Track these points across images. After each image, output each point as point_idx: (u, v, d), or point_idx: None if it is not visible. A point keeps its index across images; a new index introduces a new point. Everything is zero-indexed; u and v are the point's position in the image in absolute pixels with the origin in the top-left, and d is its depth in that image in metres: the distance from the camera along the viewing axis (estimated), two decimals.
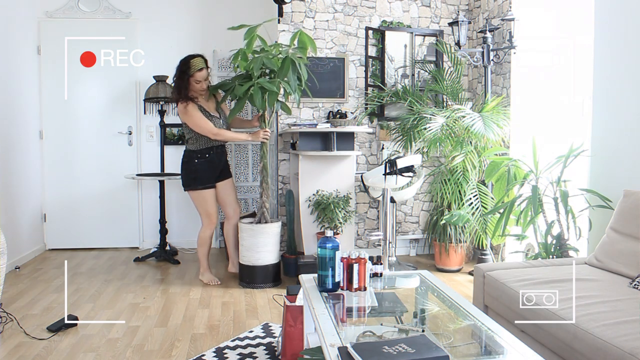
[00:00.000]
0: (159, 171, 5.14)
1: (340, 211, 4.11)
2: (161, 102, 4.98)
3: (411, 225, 4.96)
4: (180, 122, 3.96)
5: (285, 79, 3.61)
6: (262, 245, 3.85)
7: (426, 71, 4.82)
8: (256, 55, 3.60)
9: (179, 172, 5.17)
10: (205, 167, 3.88)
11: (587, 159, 3.25)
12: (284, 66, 3.55)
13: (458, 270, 4.39)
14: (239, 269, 4.01)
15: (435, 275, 2.60)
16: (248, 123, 4.25)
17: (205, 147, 3.87)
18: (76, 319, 3.10)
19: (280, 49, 3.68)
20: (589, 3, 3.34)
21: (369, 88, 4.76)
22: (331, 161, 4.29)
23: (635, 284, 2.28)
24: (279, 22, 4.63)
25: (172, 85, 3.87)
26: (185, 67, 3.73)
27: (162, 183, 4.91)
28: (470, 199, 4.03)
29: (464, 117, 4.00)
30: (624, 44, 2.99)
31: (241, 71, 3.77)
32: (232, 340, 2.87)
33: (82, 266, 4.55)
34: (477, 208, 4.01)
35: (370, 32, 4.75)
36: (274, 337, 2.90)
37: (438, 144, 4.14)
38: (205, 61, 3.82)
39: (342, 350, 1.57)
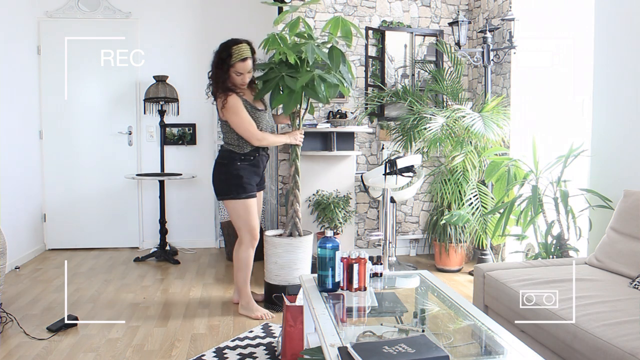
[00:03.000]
0: (159, 171, 5.14)
1: (340, 211, 4.11)
2: (161, 102, 4.98)
3: (411, 225, 4.96)
4: (221, 118, 3.22)
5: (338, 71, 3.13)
6: (299, 261, 3.31)
7: (426, 71, 4.82)
8: (303, 42, 3.11)
9: (176, 172, 5.24)
10: (249, 171, 3.22)
11: (587, 159, 3.25)
12: (334, 57, 3.09)
13: (458, 270, 4.39)
14: (264, 289, 3.45)
15: (435, 275, 2.60)
16: (275, 119, 3.61)
17: (251, 149, 3.21)
18: (76, 319, 3.10)
19: (321, 36, 3.20)
20: (589, 3, 3.34)
21: (369, 88, 4.76)
22: (331, 161, 4.29)
23: (635, 284, 2.28)
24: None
25: (209, 74, 3.18)
26: (225, 54, 3.07)
27: (162, 183, 4.91)
28: (470, 199, 4.03)
29: (464, 117, 4.00)
30: (624, 44, 2.99)
31: (271, 59, 3.25)
32: (232, 340, 2.86)
33: (82, 266, 4.55)
34: (477, 208, 4.01)
35: (370, 32, 4.74)
36: (274, 337, 2.89)
37: (438, 144, 4.14)
38: (252, 49, 3.14)
39: (342, 350, 1.57)
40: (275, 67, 3.18)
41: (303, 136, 3.39)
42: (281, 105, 3.30)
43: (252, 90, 3.30)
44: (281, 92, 3.20)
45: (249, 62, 3.10)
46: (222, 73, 3.08)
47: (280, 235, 3.41)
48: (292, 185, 3.41)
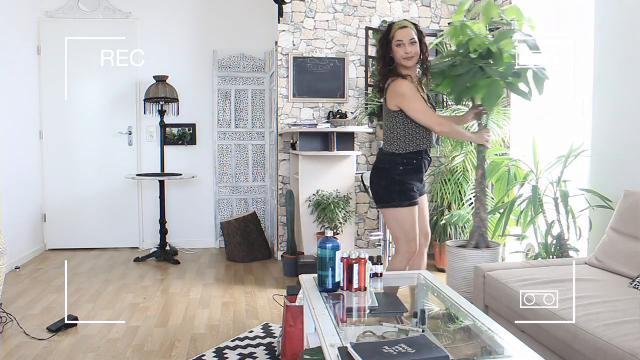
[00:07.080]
0: (159, 171, 5.14)
1: (340, 211, 4.11)
2: (161, 102, 4.98)
3: None
4: (390, 109, 2.83)
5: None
6: None
7: None
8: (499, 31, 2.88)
9: (176, 172, 5.23)
10: (412, 176, 2.88)
11: (587, 159, 3.25)
12: (535, 47, 2.91)
13: None
14: None
15: (435, 275, 2.59)
16: (454, 118, 3.29)
17: (414, 149, 2.83)
18: (76, 319, 3.10)
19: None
20: (589, 3, 3.34)
21: (369, 88, 4.76)
22: (331, 161, 4.29)
23: (635, 284, 2.28)
24: (279, 22, 4.63)
25: (374, 66, 2.92)
26: (385, 32, 2.83)
27: (162, 183, 4.91)
28: (470, 199, 4.03)
29: None
30: (624, 44, 2.99)
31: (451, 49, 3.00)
32: (232, 340, 2.86)
33: (82, 266, 4.55)
34: None
35: (370, 32, 4.74)
36: (274, 337, 2.89)
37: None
38: (414, 24, 2.83)
39: (342, 350, 1.57)
40: (461, 60, 2.91)
41: (490, 136, 3.05)
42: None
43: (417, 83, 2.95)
44: (467, 86, 2.88)
45: (409, 31, 2.77)
46: (385, 51, 2.80)
47: (464, 246, 3.15)
48: (477, 191, 3.14)
